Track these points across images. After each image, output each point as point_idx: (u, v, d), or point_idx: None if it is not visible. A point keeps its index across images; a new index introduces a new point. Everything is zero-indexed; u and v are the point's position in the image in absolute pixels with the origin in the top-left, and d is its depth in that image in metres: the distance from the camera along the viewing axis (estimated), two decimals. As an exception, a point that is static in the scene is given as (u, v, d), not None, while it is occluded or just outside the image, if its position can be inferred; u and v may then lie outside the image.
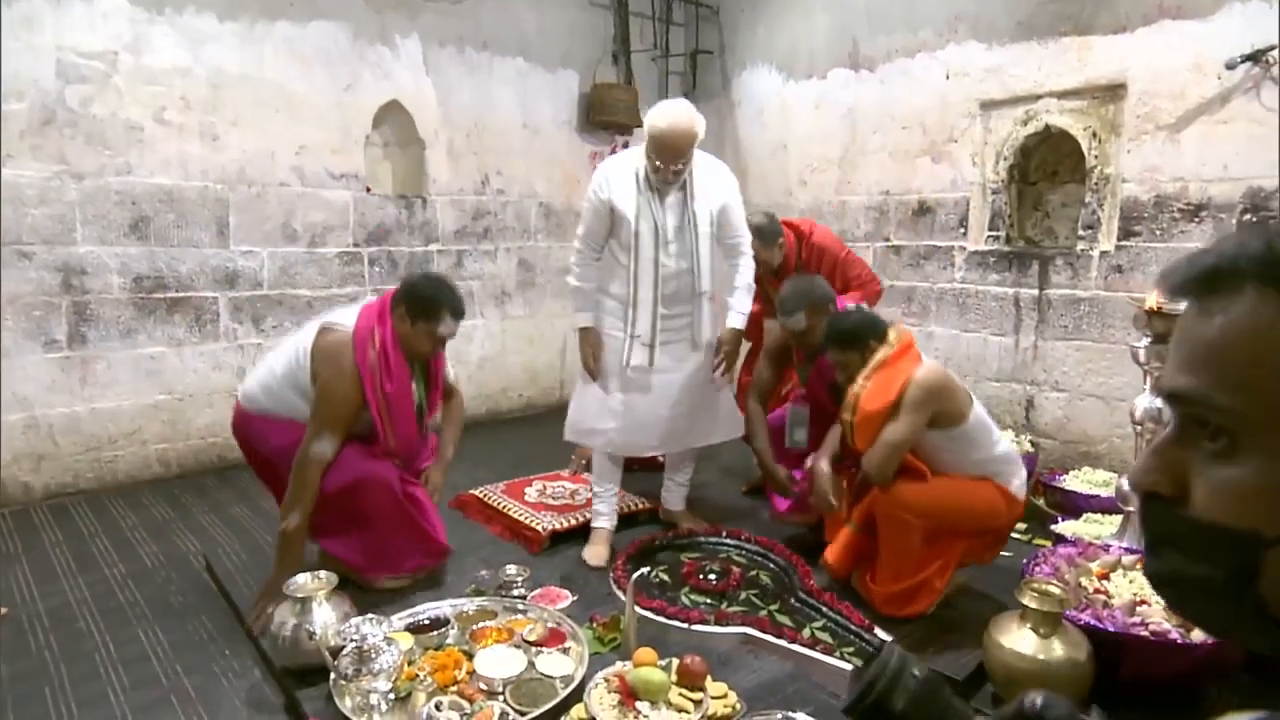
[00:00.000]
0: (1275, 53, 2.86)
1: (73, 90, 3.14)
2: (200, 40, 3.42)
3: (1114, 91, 3.32)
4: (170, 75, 3.36)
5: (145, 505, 3.21)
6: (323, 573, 2.02)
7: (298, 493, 2.14)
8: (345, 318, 2.23)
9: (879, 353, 2.22)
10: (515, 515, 2.88)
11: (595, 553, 2.66)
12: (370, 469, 2.22)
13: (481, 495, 3.08)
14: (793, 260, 3.14)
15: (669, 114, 2.35)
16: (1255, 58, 2.89)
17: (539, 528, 2.77)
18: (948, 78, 3.90)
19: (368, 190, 4.04)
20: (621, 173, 2.49)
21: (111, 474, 3.42)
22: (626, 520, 2.90)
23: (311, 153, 3.80)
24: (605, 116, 4.78)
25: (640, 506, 3.01)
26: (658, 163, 2.38)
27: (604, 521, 2.73)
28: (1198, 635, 1.80)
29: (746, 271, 2.63)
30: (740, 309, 2.62)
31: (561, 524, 2.81)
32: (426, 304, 2.17)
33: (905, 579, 2.18)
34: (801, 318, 2.57)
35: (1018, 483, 2.25)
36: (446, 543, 2.41)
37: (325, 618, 1.92)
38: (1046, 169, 3.77)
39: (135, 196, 3.34)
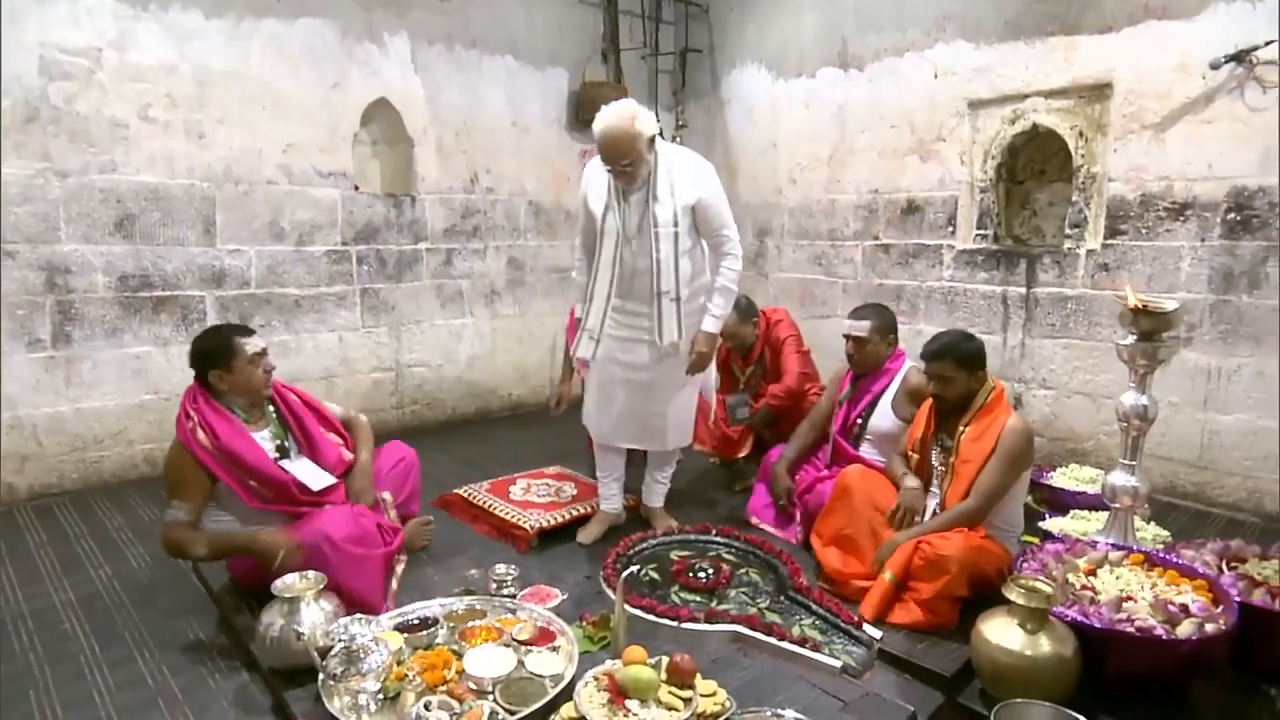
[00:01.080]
0: (1258, 53, 2.89)
1: (56, 87, 3.10)
2: (186, 37, 3.39)
3: (1100, 91, 3.35)
4: (155, 72, 3.33)
5: (131, 506, 3.18)
6: (311, 573, 2.01)
7: (175, 550, 2.17)
8: None
9: (980, 397, 2.33)
10: (502, 514, 2.87)
11: (585, 531, 2.82)
12: (312, 529, 2.15)
13: (466, 495, 3.06)
14: (760, 347, 3.34)
15: (605, 116, 2.36)
16: (1239, 58, 2.93)
17: (526, 526, 2.76)
18: (936, 77, 3.92)
19: (356, 188, 4.02)
20: (598, 171, 2.53)
21: (97, 474, 3.39)
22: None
23: (299, 151, 3.77)
24: (594, 115, 4.75)
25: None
26: (606, 168, 2.42)
27: (603, 505, 2.86)
28: (1183, 631, 1.82)
29: (729, 272, 2.58)
30: (715, 311, 2.58)
31: (549, 521, 2.80)
32: (220, 349, 2.24)
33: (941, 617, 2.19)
34: (868, 326, 2.76)
35: (1012, 547, 2.33)
36: (379, 602, 2.22)
37: (313, 618, 1.91)
38: (1034, 168, 3.80)
39: (120, 194, 3.30)
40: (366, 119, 4.03)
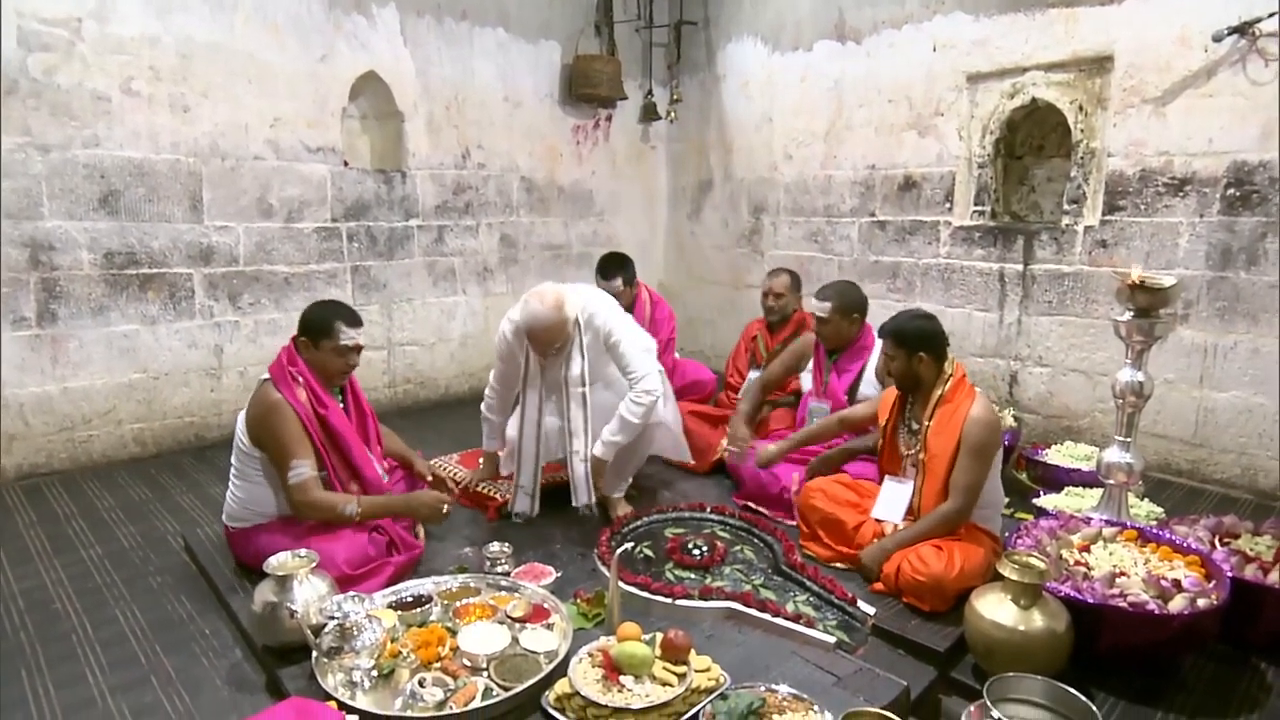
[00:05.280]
0: (1261, 25, 2.84)
1: (35, 59, 3.02)
2: (167, 8, 3.30)
3: (1100, 64, 3.30)
4: (138, 44, 3.24)
5: (121, 486, 3.16)
6: (303, 550, 2.00)
7: (321, 512, 2.22)
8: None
9: (938, 385, 2.28)
10: (470, 485, 2.89)
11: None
12: (325, 547, 2.13)
13: (435, 467, 3.04)
14: (792, 330, 3.44)
15: (534, 308, 2.40)
16: (1241, 30, 2.88)
17: (495, 495, 2.79)
18: (934, 50, 3.86)
19: (345, 164, 3.96)
20: (517, 335, 2.59)
21: (86, 454, 3.36)
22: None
23: (286, 125, 3.70)
24: (588, 89, 4.70)
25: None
26: (533, 347, 2.49)
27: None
28: (1175, 606, 1.82)
29: (634, 406, 2.52)
30: (607, 437, 2.54)
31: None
32: (319, 324, 2.27)
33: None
34: (827, 308, 2.83)
35: (996, 525, 2.31)
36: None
37: (306, 595, 1.89)
38: (1032, 143, 3.75)
39: (104, 169, 3.24)
40: (355, 93, 3.96)
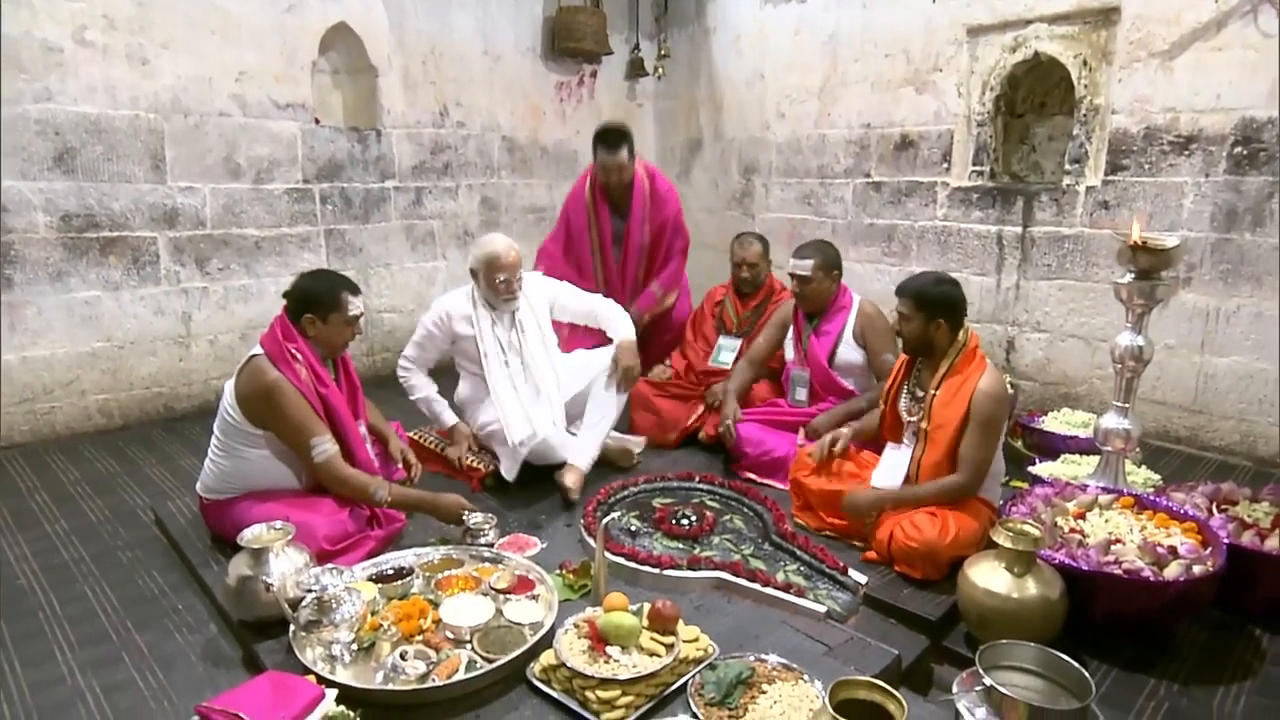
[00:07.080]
0: (1275, -27, 2.72)
1: (-22, 5, 2.84)
2: (120, -51, 3.10)
3: (1106, 16, 3.18)
4: (89, -12, 3.05)
5: (87, 459, 3.06)
6: (279, 522, 1.94)
7: (352, 489, 2.20)
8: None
9: (951, 353, 2.22)
10: (453, 455, 2.82)
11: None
12: (303, 520, 2.07)
13: (417, 437, 2.96)
14: (763, 296, 3.32)
15: (500, 240, 2.69)
16: (1255, -22, 2.76)
17: (480, 465, 2.72)
18: (933, 1, 3.71)
19: (316, 121, 3.79)
20: (458, 305, 2.73)
21: (49, 426, 3.24)
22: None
23: (253, 79, 3.52)
24: (572, 43, 4.52)
25: None
26: (503, 280, 2.62)
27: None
28: (1170, 573, 1.79)
29: (610, 312, 2.90)
30: (625, 320, 2.88)
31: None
32: (327, 297, 2.21)
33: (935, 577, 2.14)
34: (810, 265, 2.75)
35: (995, 495, 2.27)
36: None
37: (283, 568, 1.83)
38: (1034, 100, 3.64)
39: (58, 126, 3.06)
40: (325, 46, 3.77)
